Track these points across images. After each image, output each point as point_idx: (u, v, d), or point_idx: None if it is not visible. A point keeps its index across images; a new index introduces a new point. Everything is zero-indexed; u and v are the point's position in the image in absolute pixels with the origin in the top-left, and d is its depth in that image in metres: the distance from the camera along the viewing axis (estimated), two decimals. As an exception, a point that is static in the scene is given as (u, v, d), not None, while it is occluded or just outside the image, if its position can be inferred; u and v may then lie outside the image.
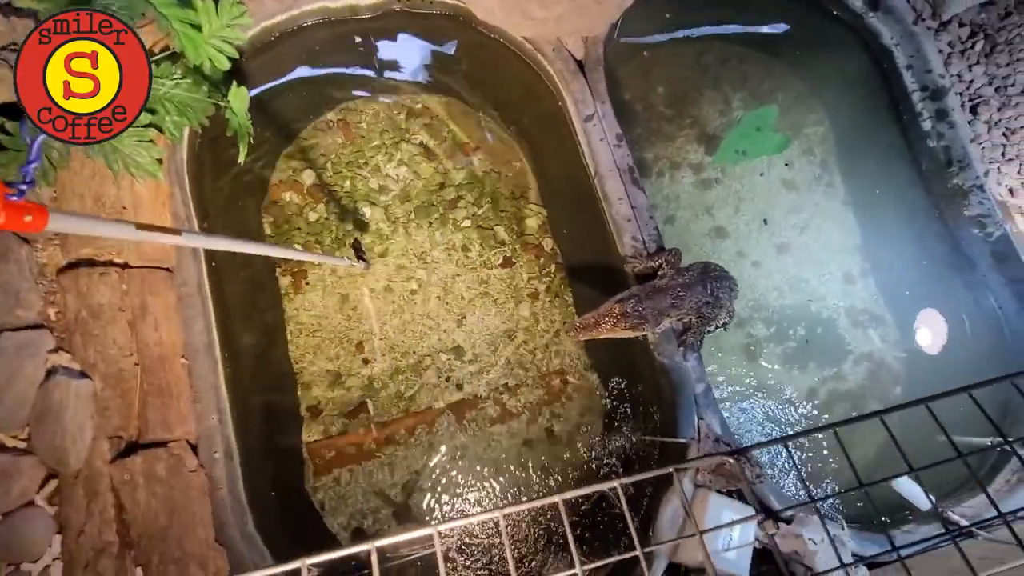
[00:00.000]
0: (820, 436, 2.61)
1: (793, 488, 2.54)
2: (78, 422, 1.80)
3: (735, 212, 2.93)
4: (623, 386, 2.57)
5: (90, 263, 1.98)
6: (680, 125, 3.06)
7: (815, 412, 2.69)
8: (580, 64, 2.60)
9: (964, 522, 2.21)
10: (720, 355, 2.72)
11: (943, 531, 1.16)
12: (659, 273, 2.29)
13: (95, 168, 1.95)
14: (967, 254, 2.68)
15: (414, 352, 2.63)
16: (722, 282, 2.25)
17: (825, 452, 2.60)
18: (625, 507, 0.96)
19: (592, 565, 0.98)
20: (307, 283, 2.68)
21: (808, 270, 2.88)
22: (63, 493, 1.82)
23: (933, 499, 2.23)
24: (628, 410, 2.54)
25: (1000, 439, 1.24)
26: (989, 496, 1.14)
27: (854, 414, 2.38)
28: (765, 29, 3.19)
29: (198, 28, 2.00)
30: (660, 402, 2.31)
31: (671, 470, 1.02)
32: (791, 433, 1.64)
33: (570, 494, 0.97)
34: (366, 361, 2.60)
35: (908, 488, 2.29)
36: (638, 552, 0.95)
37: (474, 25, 2.66)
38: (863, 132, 3.03)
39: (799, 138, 3.06)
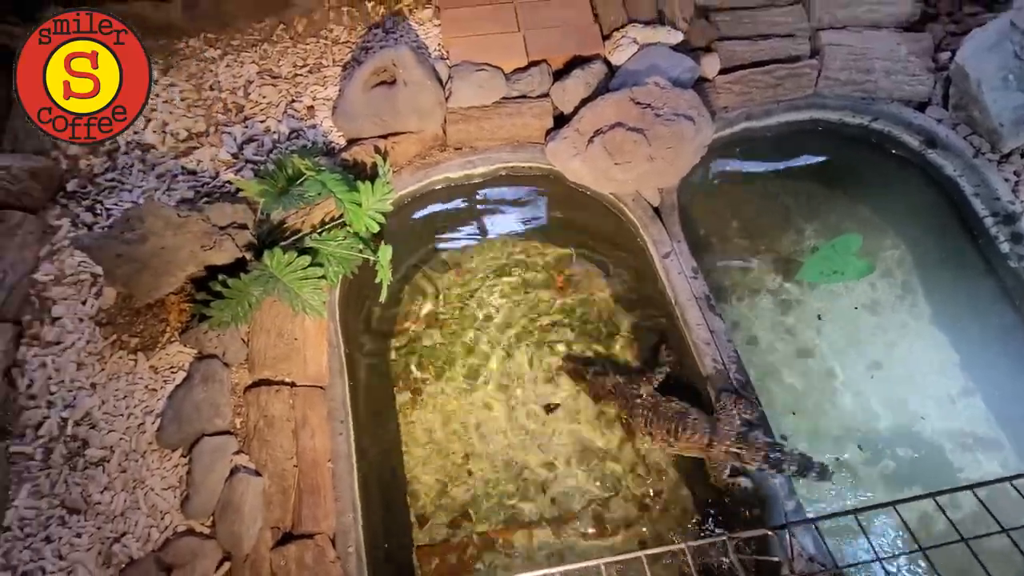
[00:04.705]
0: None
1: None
2: (252, 513, 2.23)
3: (818, 333, 3.06)
4: (714, 503, 2.64)
5: (268, 382, 2.53)
6: (756, 253, 3.34)
7: (929, 539, 2.56)
8: (656, 210, 3.03)
9: None
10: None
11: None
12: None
13: (279, 309, 2.57)
14: (1074, 372, 2.61)
15: (513, 465, 2.88)
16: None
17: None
18: (735, 559, 1.16)
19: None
20: (421, 399, 3.09)
21: (903, 390, 2.89)
22: (233, 574, 2.20)
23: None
24: (720, 527, 2.58)
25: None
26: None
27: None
28: (828, 167, 3.51)
29: (359, 204, 2.68)
30: (751, 519, 2.37)
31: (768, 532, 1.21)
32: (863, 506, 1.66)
33: (694, 543, 1.19)
34: (469, 472, 2.89)
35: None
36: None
37: (565, 182, 3.22)
38: (940, 254, 3.14)
39: (878, 261, 3.21)
